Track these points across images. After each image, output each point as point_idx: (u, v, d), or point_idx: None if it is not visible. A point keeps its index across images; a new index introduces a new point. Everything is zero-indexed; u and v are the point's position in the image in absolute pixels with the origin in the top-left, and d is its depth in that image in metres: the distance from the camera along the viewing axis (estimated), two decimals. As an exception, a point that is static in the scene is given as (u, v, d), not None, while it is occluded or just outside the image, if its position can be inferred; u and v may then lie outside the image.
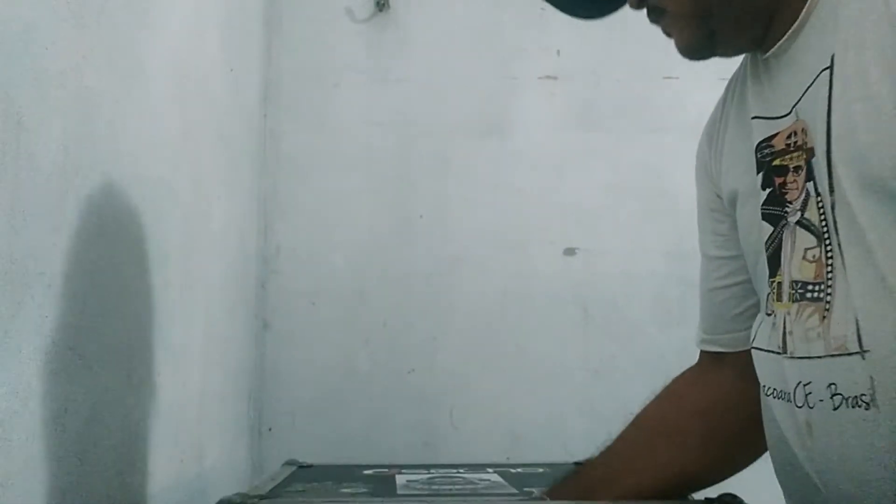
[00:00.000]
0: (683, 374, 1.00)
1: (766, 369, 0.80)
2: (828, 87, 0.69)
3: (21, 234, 0.78)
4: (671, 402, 0.99)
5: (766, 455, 0.86)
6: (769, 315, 0.79)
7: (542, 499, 1.00)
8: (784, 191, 0.76)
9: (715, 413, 0.95)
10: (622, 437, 0.99)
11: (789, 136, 0.75)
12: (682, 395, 0.99)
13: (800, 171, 0.73)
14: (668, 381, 1.02)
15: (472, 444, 2.00)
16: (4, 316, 0.75)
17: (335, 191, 2.10)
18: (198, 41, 1.46)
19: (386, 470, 1.33)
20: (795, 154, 0.74)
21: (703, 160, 0.93)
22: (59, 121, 0.86)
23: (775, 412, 0.79)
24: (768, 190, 0.78)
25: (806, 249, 0.72)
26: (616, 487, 0.94)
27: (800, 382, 0.72)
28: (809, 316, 0.71)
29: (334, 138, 2.12)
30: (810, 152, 0.72)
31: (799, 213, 0.73)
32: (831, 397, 0.69)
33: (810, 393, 0.71)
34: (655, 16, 0.80)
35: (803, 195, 0.73)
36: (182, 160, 1.35)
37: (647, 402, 1.00)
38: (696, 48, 0.80)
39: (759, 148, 0.79)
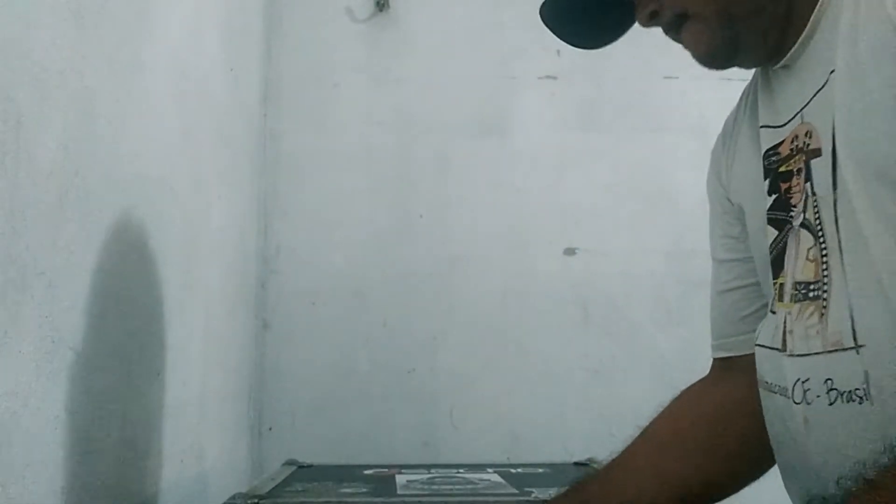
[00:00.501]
0: (694, 384, 1.00)
1: (767, 365, 0.81)
2: (833, 87, 0.69)
3: (21, 234, 0.78)
4: (679, 412, 0.98)
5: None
6: (773, 314, 0.80)
7: None
8: (789, 195, 0.76)
9: (723, 420, 0.94)
10: (628, 450, 0.98)
11: (793, 141, 0.76)
12: (689, 406, 0.98)
13: (801, 174, 0.74)
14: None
15: (472, 444, 1.99)
16: (4, 316, 0.75)
17: (335, 190, 2.10)
18: (198, 41, 1.46)
19: (386, 470, 1.33)
20: (797, 157, 0.75)
21: (716, 167, 0.94)
22: (59, 120, 0.86)
23: (775, 407, 0.79)
24: (774, 196, 0.79)
25: (808, 249, 0.73)
26: (614, 501, 0.93)
27: (798, 379, 0.73)
28: (810, 315, 0.72)
29: (334, 138, 2.12)
30: (811, 153, 0.73)
31: (802, 216, 0.74)
32: (827, 392, 0.69)
33: (808, 389, 0.72)
34: (675, 26, 0.79)
35: (804, 197, 0.74)
36: (182, 160, 1.35)
37: (656, 413, 0.99)
38: (718, 54, 0.79)
39: (766, 156, 0.80)
